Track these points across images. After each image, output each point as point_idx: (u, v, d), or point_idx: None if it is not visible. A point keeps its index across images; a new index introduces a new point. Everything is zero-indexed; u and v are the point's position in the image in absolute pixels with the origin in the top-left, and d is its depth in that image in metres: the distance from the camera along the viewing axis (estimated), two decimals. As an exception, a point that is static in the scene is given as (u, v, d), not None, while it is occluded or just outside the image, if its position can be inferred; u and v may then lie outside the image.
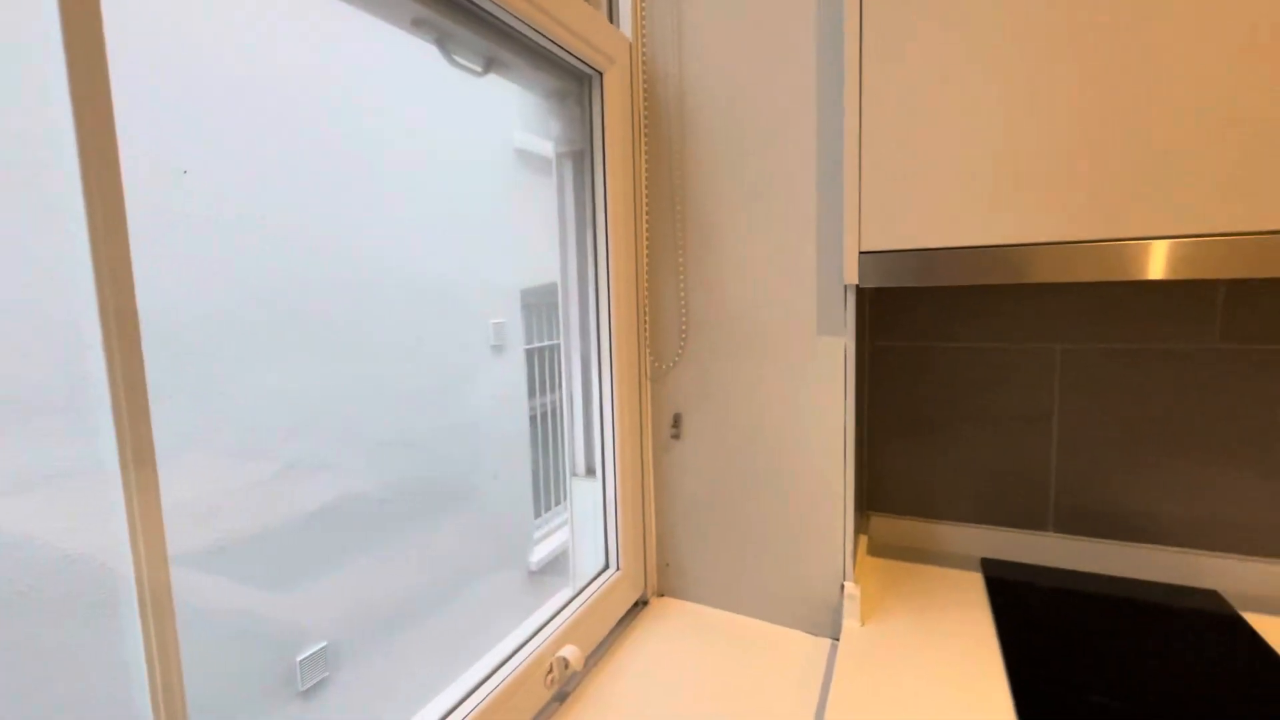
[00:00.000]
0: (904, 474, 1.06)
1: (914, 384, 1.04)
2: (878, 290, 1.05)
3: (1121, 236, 0.63)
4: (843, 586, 0.84)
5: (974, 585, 0.92)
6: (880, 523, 1.08)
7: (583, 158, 0.91)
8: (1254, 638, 0.75)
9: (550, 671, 0.73)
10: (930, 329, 1.02)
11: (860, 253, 0.75)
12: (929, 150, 0.70)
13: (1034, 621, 0.80)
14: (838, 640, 0.78)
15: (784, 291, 0.86)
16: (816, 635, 0.88)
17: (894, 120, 0.71)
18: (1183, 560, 0.89)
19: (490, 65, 0.75)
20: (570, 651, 0.75)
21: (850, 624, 0.82)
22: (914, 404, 1.04)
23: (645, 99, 0.93)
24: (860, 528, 1.02)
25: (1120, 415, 0.91)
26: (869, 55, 0.71)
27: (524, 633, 0.76)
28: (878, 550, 1.05)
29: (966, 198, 0.68)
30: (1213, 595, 0.85)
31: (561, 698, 0.76)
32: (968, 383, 1.00)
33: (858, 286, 0.79)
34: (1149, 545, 0.92)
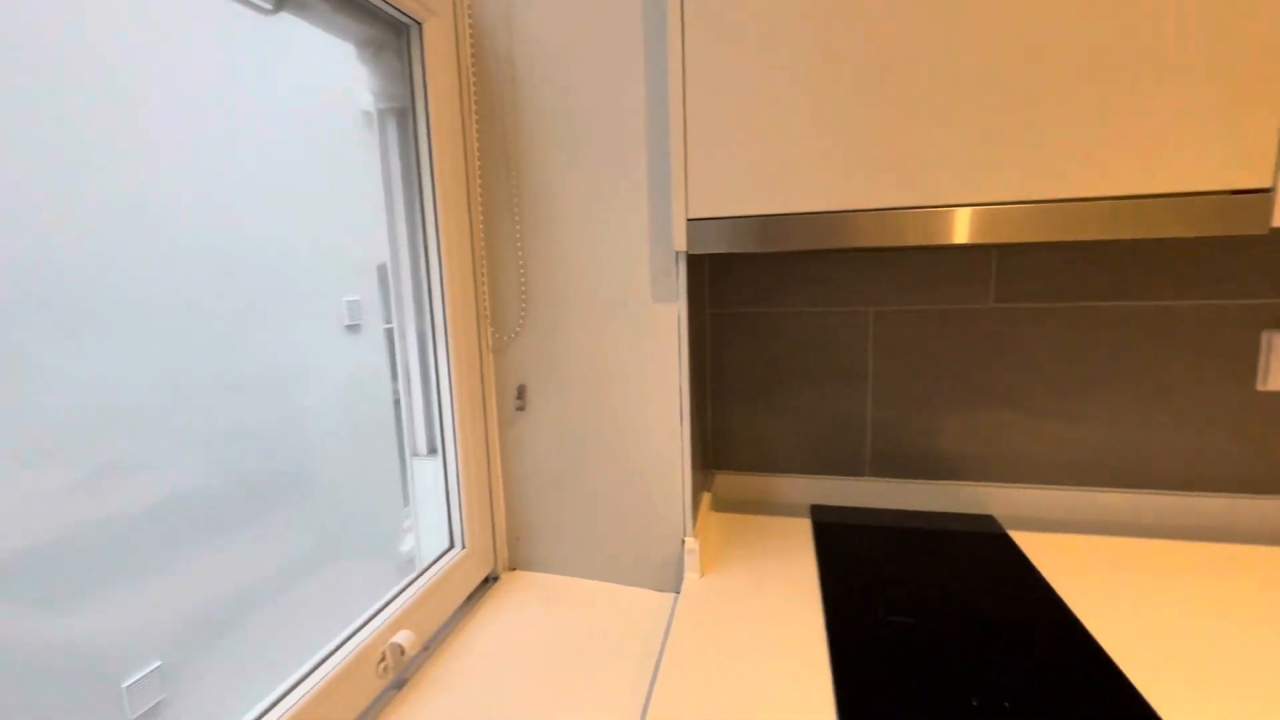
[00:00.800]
0: (745, 433, 1.13)
1: (751, 347, 1.10)
2: (715, 257, 1.09)
3: (927, 204, 0.69)
4: (684, 542, 0.88)
5: (803, 530, 1.00)
6: (724, 479, 1.14)
7: (406, 116, 0.85)
8: (1014, 550, 0.89)
9: (383, 660, 0.70)
10: (764, 295, 1.08)
11: (688, 220, 0.77)
12: (749, 120, 0.72)
13: (849, 558, 0.89)
14: (680, 594, 0.81)
15: (620, 259, 0.86)
16: (662, 591, 0.92)
17: (716, 88, 0.73)
18: (969, 491, 1.03)
19: (281, 2, 0.66)
20: (405, 637, 0.72)
21: (691, 577, 0.86)
22: (752, 366, 1.11)
23: (473, 55, 0.88)
24: (705, 485, 1.07)
25: (921, 369, 1.03)
26: (690, 21, 0.72)
27: (357, 623, 0.72)
28: (722, 505, 1.11)
29: (786, 167, 0.72)
30: (988, 519, 1.00)
31: (399, 685, 0.73)
32: (797, 344, 1.08)
33: (690, 254, 0.81)
34: (944, 481, 1.05)
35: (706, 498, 1.05)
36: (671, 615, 0.79)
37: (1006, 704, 0.59)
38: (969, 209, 0.68)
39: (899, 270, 1.02)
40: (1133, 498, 0.96)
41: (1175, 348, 0.93)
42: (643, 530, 0.91)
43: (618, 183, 0.85)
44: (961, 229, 0.69)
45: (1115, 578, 0.81)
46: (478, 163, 0.90)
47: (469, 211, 0.90)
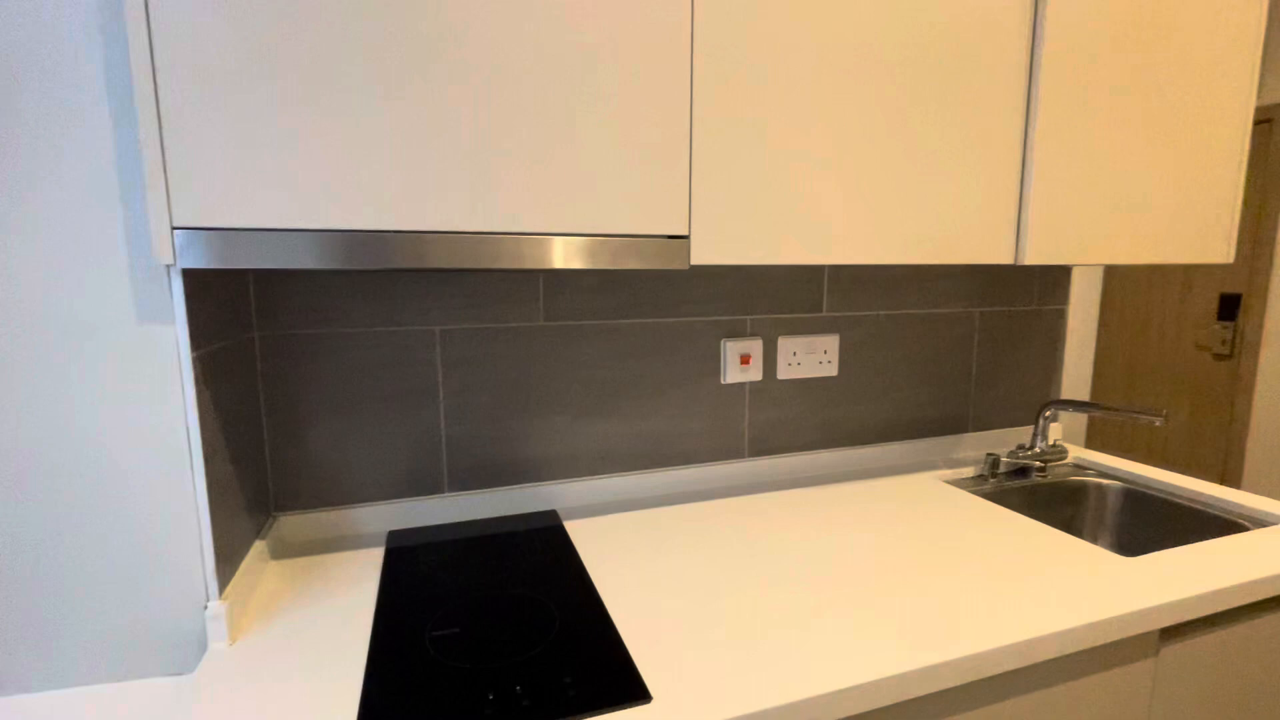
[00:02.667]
0: (315, 466, 1.03)
1: (317, 371, 1.01)
2: (260, 273, 0.97)
3: (490, 230, 0.72)
4: (206, 608, 0.74)
5: (375, 560, 0.95)
6: (291, 521, 1.02)
7: None
8: (564, 539, 1.01)
9: None
10: (324, 315, 1.00)
11: (175, 228, 0.65)
12: (256, 117, 0.65)
13: (414, 580, 0.89)
14: (197, 670, 0.68)
15: (80, 272, 0.68)
16: (181, 674, 0.76)
17: (218, 58, 0.63)
18: (537, 491, 1.14)
19: None
20: None
21: (217, 647, 0.73)
22: (319, 392, 1.01)
23: None
24: (255, 533, 0.94)
25: (486, 383, 1.09)
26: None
27: None
28: (288, 551, 0.99)
29: (310, 177, 0.67)
30: (552, 514, 1.12)
31: None
32: (367, 365, 1.03)
33: (195, 269, 0.69)
34: (517, 485, 1.13)
35: (258, 547, 0.91)
36: (186, 697, 0.66)
37: (518, 688, 0.65)
38: (522, 237, 0.74)
39: (461, 289, 1.06)
40: (652, 475, 1.20)
41: (671, 354, 1.19)
42: (141, 608, 0.74)
43: (68, 172, 0.67)
44: (510, 257, 0.74)
45: (635, 542, 0.99)
46: None
47: None
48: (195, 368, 0.72)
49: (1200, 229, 1.16)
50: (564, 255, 0.78)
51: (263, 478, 0.98)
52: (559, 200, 0.76)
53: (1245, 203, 2.76)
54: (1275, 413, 2.72)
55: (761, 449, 1.28)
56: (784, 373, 1.27)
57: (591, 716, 0.61)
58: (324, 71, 0.67)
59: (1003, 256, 1.03)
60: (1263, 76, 2.73)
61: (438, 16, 0.69)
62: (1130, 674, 0.82)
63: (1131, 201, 1.09)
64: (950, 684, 0.70)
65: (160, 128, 0.63)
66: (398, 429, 1.06)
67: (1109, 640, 0.77)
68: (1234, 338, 2.82)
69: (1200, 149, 1.13)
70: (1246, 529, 1.06)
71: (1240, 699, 0.91)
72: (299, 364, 1.00)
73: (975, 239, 1.00)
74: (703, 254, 0.85)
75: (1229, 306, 2.83)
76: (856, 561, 0.92)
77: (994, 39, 0.96)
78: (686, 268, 0.83)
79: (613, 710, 0.62)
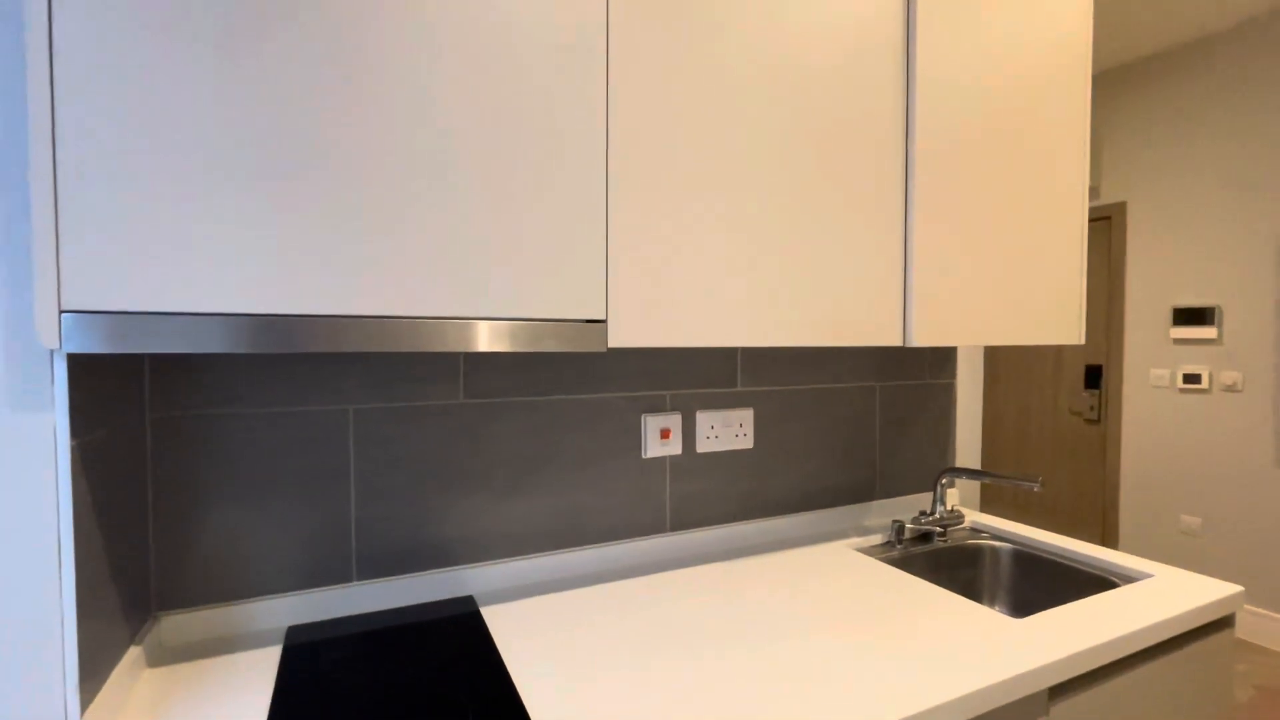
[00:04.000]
0: (207, 557, 0.95)
1: (212, 456, 0.95)
2: (157, 355, 0.92)
3: (349, 314, 0.72)
4: (62, 733, 0.66)
5: (269, 660, 0.88)
6: (173, 622, 0.93)
7: None
8: (480, 626, 0.97)
9: None
10: (228, 395, 0.95)
11: (63, 311, 0.62)
12: (150, 192, 0.64)
13: (311, 681, 0.82)
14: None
15: (-51, 357, 0.63)
16: (24, 814, 0.66)
17: (119, 106, 0.62)
18: (452, 576, 1.09)
19: None
20: None
21: (72, 778, 0.65)
22: (217, 476, 0.95)
23: None
24: (130, 639, 0.85)
25: (404, 462, 1.06)
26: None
27: None
28: (166, 657, 0.89)
29: (211, 260, 0.66)
30: (468, 600, 1.07)
31: None
32: (273, 447, 0.98)
33: (81, 354, 0.65)
34: (432, 570, 1.09)
35: (133, 654, 0.82)
36: None
37: (425, 795, 0.61)
38: (421, 320, 0.75)
39: (376, 367, 1.04)
40: (574, 554, 1.18)
41: (592, 429, 1.21)
42: (-12, 735, 0.65)
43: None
44: (410, 339, 0.75)
45: (556, 627, 0.97)
46: None
47: None
48: (73, 456, 0.67)
49: (1055, 314, 1.33)
50: (485, 339, 0.79)
51: (144, 573, 0.90)
52: (479, 286, 0.79)
53: (1095, 286, 3.16)
54: (1138, 468, 3.03)
55: (683, 522, 1.30)
56: (703, 446, 1.31)
57: (503, 824, 0.58)
58: (225, 159, 0.67)
59: (893, 339, 1.13)
60: (1102, 180, 3.20)
61: (363, 80, 0.72)
62: (1026, 734, 0.87)
63: (997, 292, 1.24)
64: (862, 758, 0.71)
65: (55, 203, 0.61)
66: (304, 514, 1.00)
67: (1004, 703, 0.82)
68: (1099, 403, 3.15)
69: (1049, 246, 1.31)
70: (1117, 585, 1.16)
71: (1124, 750, 0.98)
72: (195, 447, 0.94)
73: (868, 323, 1.10)
74: (620, 337, 0.89)
75: (1094, 376, 3.17)
76: (765, 638, 0.94)
77: (874, 145, 1.10)
78: (604, 350, 0.87)
79: (526, 815, 0.59)
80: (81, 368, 0.70)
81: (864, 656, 0.87)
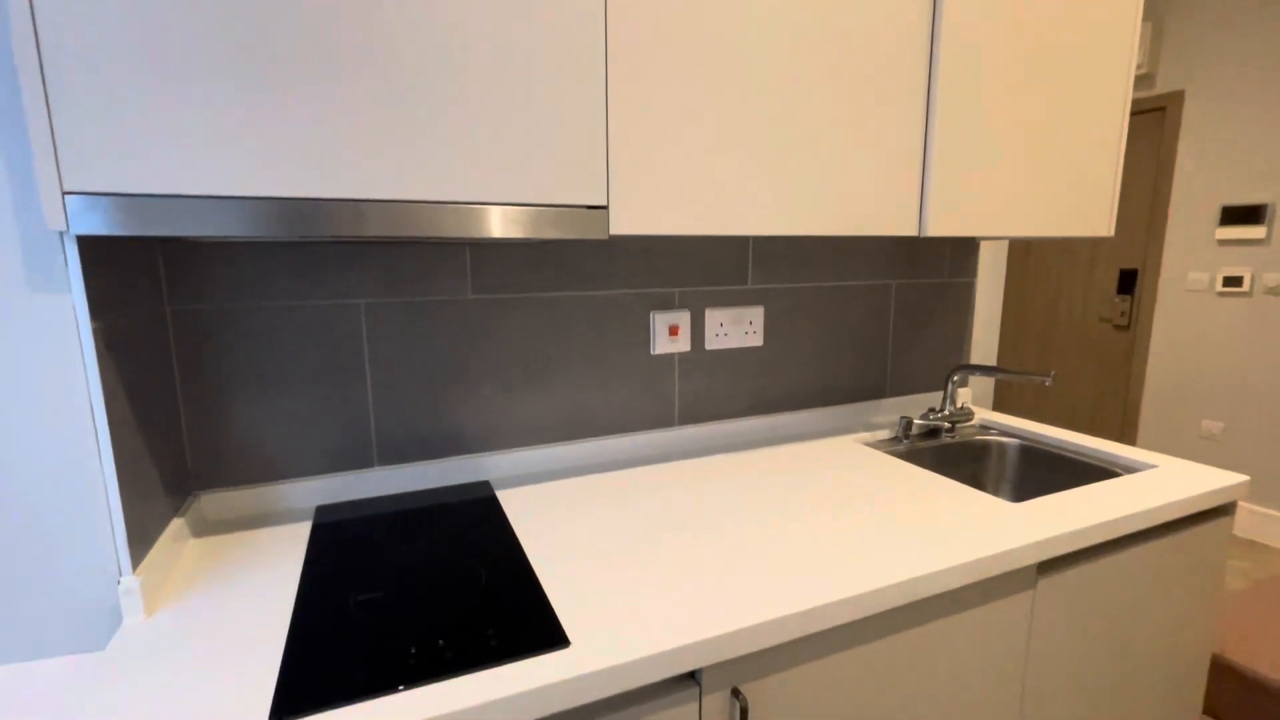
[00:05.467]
0: (236, 442, 1.01)
1: (231, 347, 0.98)
2: (170, 244, 0.94)
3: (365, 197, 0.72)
4: (119, 583, 0.73)
5: (300, 534, 0.95)
6: (212, 500, 1.00)
7: None
8: (496, 507, 1.03)
9: None
10: (244, 288, 0.98)
11: (66, 193, 0.63)
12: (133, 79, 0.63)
13: (341, 551, 0.89)
14: (108, 646, 0.68)
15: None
16: (95, 651, 0.75)
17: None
18: (468, 463, 1.15)
19: None
20: None
21: (132, 621, 0.73)
22: (238, 367, 0.99)
23: None
24: (174, 511, 0.92)
25: (416, 355, 1.09)
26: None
27: None
28: (208, 530, 0.97)
29: (225, 141, 0.66)
30: (484, 485, 1.13)
31: None
32: (289, 340, 1.01)
33: (91, 236, 0.67)
34: (449, 457, 1.14)
35: (177, 525, 0.90)
36: (98, 671, 0.65)
37: (441, 642, 0.67)
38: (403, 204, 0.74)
39: (383, 263, 1.05)
40: (585, 445, 1.23)
41: (600, 326, 1.22)
42: (47, 588, 0.72)
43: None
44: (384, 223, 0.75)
45: (566, 507, 1.02)
46: None
47: None
48: (96, 339, 0.70)
49: (1084, 205, 1.26)
50: (490, 224, 0.79)
51: (180, 455, 0.96)
52: (484, 170, 0.77)
53: (1141, 186, 2.98)
54: (1164, 375, 2.98)
55: (691, 417, 1.33)
56: (712, 343, 1.32)
57: (511, 662, 0.64)
58: (245, 38, 0.65)
59: (907, 229, 1.10)
60: (1159, 67, 2.94)
61: (344, -20, 0.69)
62: (1012, 605, 0.91)
63: (1023, 180, 1.18)
64: (849, 619, 0.76)
65: (44, 84, 0.61)
66: (324, 404, 1.05)
67: (994, 574, 0.86)
68: (1131, 309, 3.06)
69: (1083, 133, 1.23)
70: (1119, 475, 1.17)
71: (1106, 624, 1.03)
72: (216, 338, 0.97)
73: (881, 212, 1.06)
74: (621, 224, 0.87)
75: (1127, 281, 3.06)
76: (770, 518, 0.98)
77: (897, 34, 1.02)
78: (606, 237, 0.85)
79: (532, 655, 0.65)
80: (94, 256, 0.72)
81: (864, 533, 0.91)
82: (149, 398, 0.85)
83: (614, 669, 0.64)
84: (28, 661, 0.72)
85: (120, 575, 0.74)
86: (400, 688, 0.60)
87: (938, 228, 1.10)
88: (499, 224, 0.79)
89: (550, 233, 0.82)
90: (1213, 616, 1.17)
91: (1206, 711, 1.46)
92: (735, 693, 0.72)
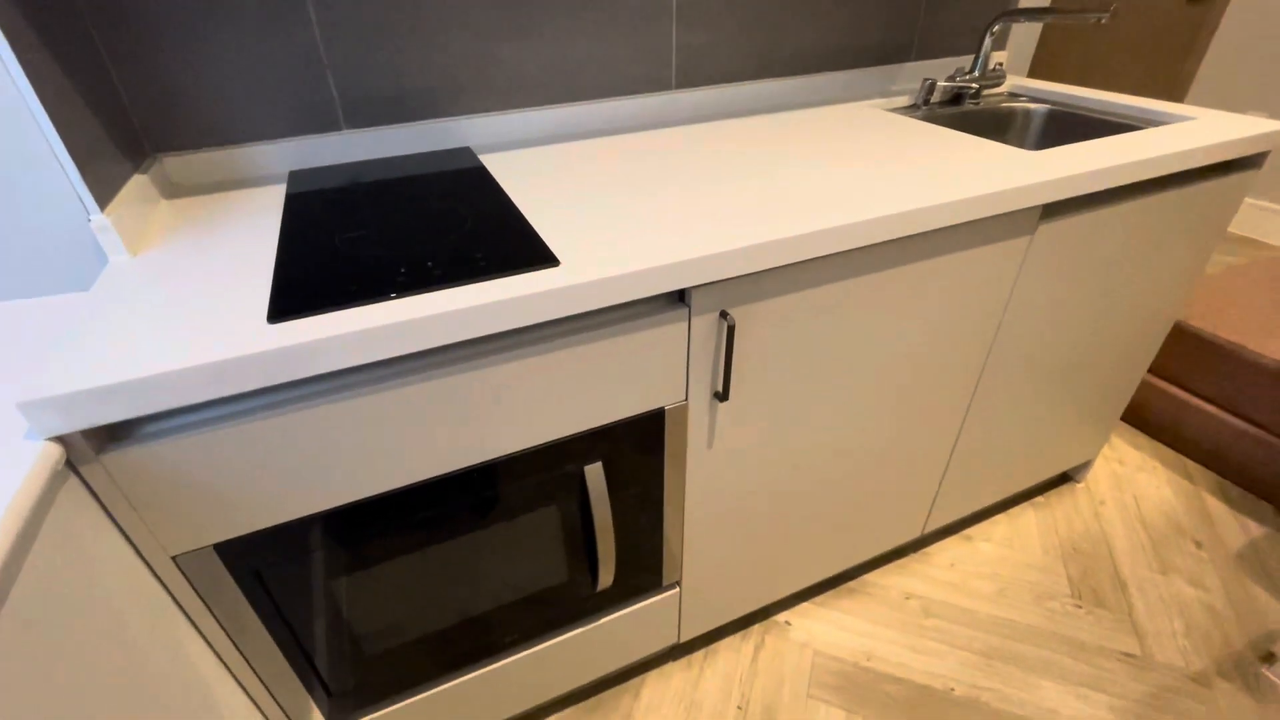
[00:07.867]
0: (183, 97, 0.90)
1: (136, -30, 0.82)
2: None
3: None
4: (90, 220, 0.71)
5: (276, 194, 0.91)
6: (176, 163, 0.93)
7: None
8: (478, 166, 0.97)
9: None
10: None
11: None
12: None
13: (320, 202, 0.86)
14: (99, 278, 0.68)
15: None
16: (80, 291, 0.76)
17: None
18: (447, 127, 1.05)
19: None
20: None
21: (118, 259, 0.72)
22: (165, 9, 0.84)
23: None
24: (137, 168, 0.86)
25: (362, -11, 0.92)
26: None
27: None
28: (179, 192, 0.93)
29: None
30: (466, 151, 1.05)
31: None
32: (204, -34, 0.84)
33: None
34: (424, 120, 1.04)
35: (140, 181, 0.84)
36: (88, 299, 0.66)
37: (429, 264, 0.67)
38: None
39: None
40: (573, 108, 1.12)
41: (580, -51, 1.01)
42: (13, 228, 0.70)
43: None
44: None
45: (553, 167, 0.96)
46: None
47: None
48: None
49: None
50: None
51: (120, 109, 0.87)
52: None
53: None
54: (1225, 53, 2.67)
55: (690, 79, 1.19)
56: (715, -19, 1.11)
57: (502, 277, 0.64)
58: None
59: None
60: None
61: None
62: (1007, 249, 0.91)
63: None
64: (839, 248, 0.75)
65: None
66: (269, 53, 0.91)
67: (997, 213, 0.83)
68: (1213, -25, 2.59)
69: None
70: (1141, 128, 1.08)
71: (1091, 277, 1.04)
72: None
73: None
74: None
75: (1222, -65, 2.52)
76: (774, 171, 0.92)
77: None
78: None
79: (522, 271, 0.65)
80: None
81: (877, 178, 0.86)
82: (60, 45, 0.72)
83: (603, 281, 0.64)
84: (18, 299, 0.73)
85: (89, 214, 0.71)
86: (392, 295, 0.61)
87: None
88: None
89: None
90: (1192, 282, 1.19)
91: (1151, 370, 1.60)
92: (723, 314, 0.74)
